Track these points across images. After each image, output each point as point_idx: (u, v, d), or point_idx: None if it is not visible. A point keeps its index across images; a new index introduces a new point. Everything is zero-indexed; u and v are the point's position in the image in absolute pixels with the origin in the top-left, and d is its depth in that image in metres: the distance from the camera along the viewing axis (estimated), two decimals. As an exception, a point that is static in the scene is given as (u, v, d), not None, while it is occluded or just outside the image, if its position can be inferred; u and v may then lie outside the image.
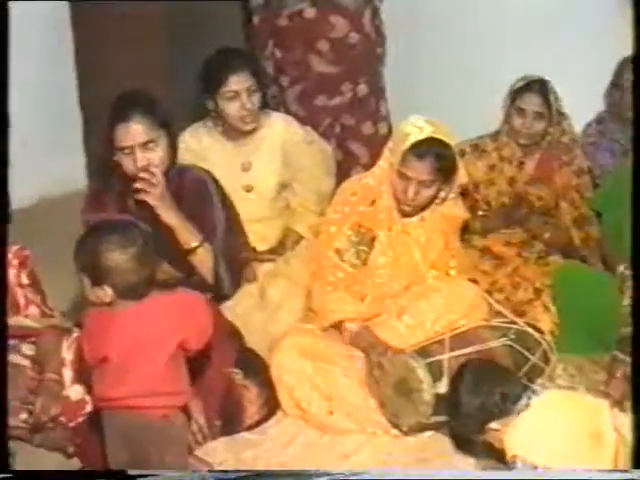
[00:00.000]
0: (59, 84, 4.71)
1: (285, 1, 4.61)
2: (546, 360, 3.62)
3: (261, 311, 3.85)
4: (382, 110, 4.83)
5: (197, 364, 3.22)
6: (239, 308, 3.80)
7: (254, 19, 4.70)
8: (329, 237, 3.81)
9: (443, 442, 3.40)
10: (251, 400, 3.52)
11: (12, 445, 3.06)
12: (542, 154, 4.22)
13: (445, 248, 3.82)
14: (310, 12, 4.61)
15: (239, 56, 4.10)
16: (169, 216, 3.55)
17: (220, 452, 3.39)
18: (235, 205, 3.83)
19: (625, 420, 2.98)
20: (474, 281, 3.90)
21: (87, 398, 3.30)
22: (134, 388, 2.98)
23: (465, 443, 3.29)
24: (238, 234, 3.82)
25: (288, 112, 4.56)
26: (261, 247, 4.16)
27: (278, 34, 4.65)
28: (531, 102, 4.12)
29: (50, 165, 4.58)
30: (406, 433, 3.45)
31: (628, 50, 4.08)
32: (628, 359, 3.41)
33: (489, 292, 3.94)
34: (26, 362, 3.35)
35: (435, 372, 3.36)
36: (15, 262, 3.37)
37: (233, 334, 3.66)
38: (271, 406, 3.57)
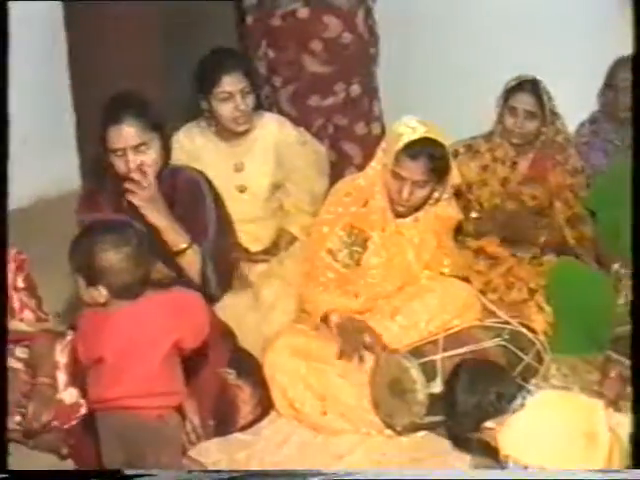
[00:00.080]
0: (53, 84, 4.69)
1: (278, 1, 4.60)
2: (540, 360, 3.63)
3: (254, 311, 3.85)
4: (375, 110, 4.83)
5: (191, 364, 3.22)
6: (232, 308, 3.80)
7: (247, 19, 4.69)
8: (321, 237, 3.82)
9: (437, 442, 3.40)
10: (245, 400, 3.52)
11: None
12: (536, 154, 4.21)
13: (438, 248, 3.82)
14: (303, 12, 4.60)
15: (233, 56, 4.10)
16: (156, 217, 3.53)
17: (213, 452, 3.38)
18: (228, 206, 3.81)
19: (620, 420, 2.99)
20: (468, 281, 3.91)
21: (81, 401, 3.30)
22: (129, 388, 2.99)
23: (461, 442, 3.30)
24: (229, 235, 3.82)
25: (281, 112, 4.56)
26: (254, 248, 4.16)
27: (271, 34, 4.65)
28: (523, 101, 4.12)
29: (46, 165, 4.57)
30: (400, 433, 3.45)
31: (622, 50, 4.12)
32: (622, 359, 3.42)
33: (483, 292, 3.95)
34: (19, 365, 3.35)
35: (429, 372, 3.36)
36: (12, 266, 3.37)
37: (226, 334, 3.66)
38: (265, 406, 3.57)
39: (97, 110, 3.61)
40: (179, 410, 3.15)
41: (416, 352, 3.44)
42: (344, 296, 3.74)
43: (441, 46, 4.96)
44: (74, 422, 3.30)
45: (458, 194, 4.02)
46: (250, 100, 4.00)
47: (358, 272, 3.77)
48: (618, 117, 4.47)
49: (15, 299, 3.39)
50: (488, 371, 3.20)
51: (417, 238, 3.79)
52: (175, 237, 3.57)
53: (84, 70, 4.69)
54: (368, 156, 4.03)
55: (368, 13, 4.75)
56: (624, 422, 3.00)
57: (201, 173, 3.74)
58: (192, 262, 3.60)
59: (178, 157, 3.88)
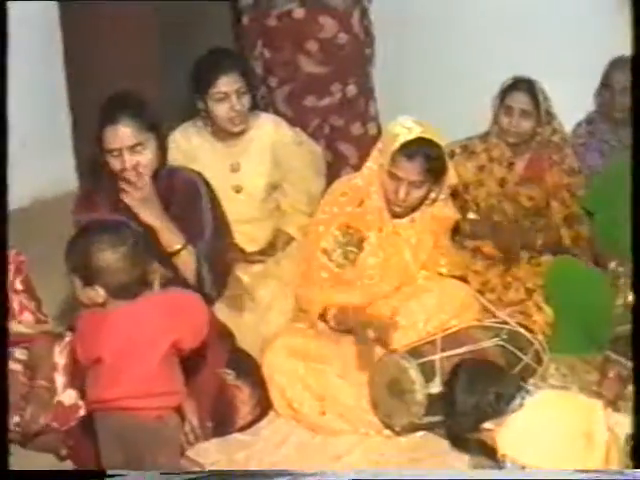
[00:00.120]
0: (49, 85, 4.68)
1: (274, 1, 4.60)
2: (538, 360, 3.63)
3: (252, 312, 3.86)
4: (371, 111, 4.84)
5: (189, 365, 3.21)
6: (230, 308, 3.80)
7: (243, 19, 4.69)
8: (317, 237, 3.82)
9: (435, 442, 3.41)
10: (243, 401, 3.52)
11: (5, 446, 3.06)
12: (532, 154, 4.22)
13: (435, 248, 3.82)
14: (299, 12, 4.60)
15: (229, 57, 4.08)
16: (150, 218, 3.52)
17: (212, 453, 3.38)
18: (224, 206, 3.80)
19: (619, 420, 3.00)
20: (465, 281, 3.91)
21: (80, 403, 3.29)
22: (128, 389, 2.98)
23: (460, 442, 3.30)
24: (225, 236, 3.81)
25: (277, 113, 4.55)
26: (251, 248, 4.15)
27: (267, 34, 4.64)
28: (518, 100, 4.13)
29: (42, 166, 4.56)
30: (399, 433, 3.45)
31: (619, 50, 4.13)
32: (621, 359, 3.42)
33: (481, 292, 3.96)
34: (18, 367, 3.34)
35: (427, 372, 3.37)
36: (10, 267, 3.36)
37: (224, 334, 3.66)
38: (263, 407, 3.57)
39: (93, 110, 3.61)
40: (178, 411, 3.15)
41: (415, 352, 3.44)
42: (342, 293, 3.73)
43: (437, 47, 4.97)
44: (73, 423, 3.29)
45: (455, 194, 4.02)
46: (246, 100, 3.99)
47: (354, 272, 3.77)
48: (614, 117, 4.48)
49: (14, 301, 3.38)
50: (487, 371, 3.19)
51: (414, 238, 3.79)
52: (170, 238, 3.55)
53: (80, 70, 4.70)
54: (364, 156, 4.02)
55: (364, 14, 4.75)
56: (623, 422, 3.01)
57: (198, 174, 3.73)
58: (187, 263, 3.58)
59: (174, 157, 3.88)
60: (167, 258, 3.57)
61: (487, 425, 3.02)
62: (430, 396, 3.33)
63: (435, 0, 5.00)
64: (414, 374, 3.34)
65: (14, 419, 3.21)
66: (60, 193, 4.58)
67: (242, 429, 3.51)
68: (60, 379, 3.33)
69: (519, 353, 3.56)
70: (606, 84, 4.49)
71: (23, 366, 3.35)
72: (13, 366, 3.30)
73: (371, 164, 3.79)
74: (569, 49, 4.58)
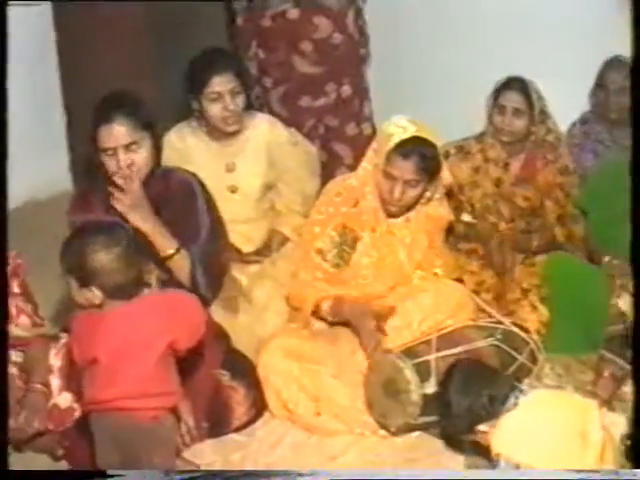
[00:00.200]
0: (44, 85, 4.68)
1: (268, 2, 4.61)
2: (533, 360, 3.63)
3: (247, 313, 3.85)
4: (366, 111, 4.85)
5: (185, 366, 3.21)
6: (225, 310, 3.80)
7: (238, 20, 4.70)
8: (313, 238, 3.82)
9: (431, 442, 3.40)
10: (239, 401, 3.51)
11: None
12: (527, 154, 4.22)
13: (430, 248, 3.82)
14: (293, 13, 4.61)
15: (223, 57, 4.09)
16: (141, 224, 3.49)
17: (208, 454, 3.38)
18: (220, 206, 3.79)
19: (614, 419, 3.00)
20: (460, 281, 3.91)
21: (75, 405, 3.28)
22: (124, 389, 2.98)
23: (454, 442, 3.29)
24: (221, 237, 3.80)
25: (272, 113, 4.56)
26: (246, 249, 4.15)
27: (262, 35, 4.65)
28: (511, 99, 4.12)
29: (36, 167, 4.56)
30: (394, 434, 3.44)
31: (614, 50, 4.13)
32: (616, 359, 3.42)
33: (476, 292, 3.96)
34: (14, 370, 3.33)
35: (423, 372, 3.36)
36: (8, 270, 3.35)
37: (220, 335, 3.65)
38: (259, 407, 3.56)
39: (88, 110, 3.60)
40: (173, 411, 3.14)
41: (410, 352, 3.44)
42: (334, 287, 3.74)
43: (432, 47, 4.97)
44: (69, 424, 3.28)
45: (449, 195, 4.03)
46: (240, 100, 3.99)
47: (348, 273, 3.77)
48: (609, 118, 4.48)
49: (11, 304, 3.36)
50: (481, 373, 3.16)
51: (409, 238, 3.79)
52: (162, 242, 3.54)
53: (74, 71, 4.70)
54: (359, 156, 4.03)
55: (358, 14, 4.77)
56: (618, 421, 3.01)
57: (193, 175, 3.72)
58: (181, 267, 3.57)
59: (169, 157, 3.87)
60: (162, 260, 3.57)
61: (482, 427, 3.01)
62: (425, 396, 3.33)
63: (430, 0, 4.99)
64: (409, 374, 3.34)
65: (10, 422, 3.18)
66: (55, 193, 4.56)
67: (237, 430, 3.50)
68: (56, 382, 3.32)
69: (514, 353, 3.55)
70: (601, 84, 4.49)
71: (19, 369, 3.34)
72: (10, 369, 3.28)
73: (366, 164, 3.79)
74: (565, 49, 4.59)
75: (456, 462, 3.27)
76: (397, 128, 3.64)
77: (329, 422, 3.50)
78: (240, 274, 4.01)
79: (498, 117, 4.16)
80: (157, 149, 3.63)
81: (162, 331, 3.02)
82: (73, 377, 3.25)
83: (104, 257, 2.98)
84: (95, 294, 3.00)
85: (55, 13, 4.65)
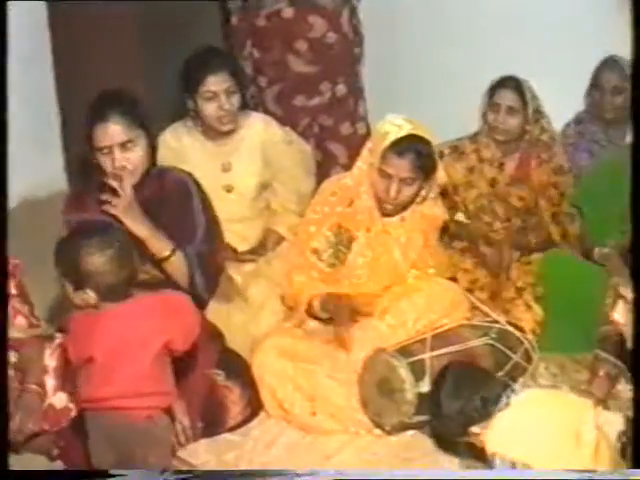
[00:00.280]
0: (38, 85, 4.66)
1: (263, 1, 4.61)
2: (528, 359, 3.63)
3: (242, 312, 3.85)
4: (360, 110, 4.84)
5: (179, 365, 3.21)
6: (220, 308, 3.80)
7: (232, 19, 4.70)
8: (308, 237, 3.82)
9: (426, 441, 3.40)
10: (234, 401, 3.52)
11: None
12: (522, 154, 4.22)
13: (425, 247, 3.82)
14: (288, 12, 4.61)
15: (218, 56, 4.08)
16: (135, 227, 3.47)
17: (202, 453, 3.38)
18: (215, 205, 3.79)
19: (609, 418, 3.00)
20: (454, 280, 3.91)
21: (71, 406, 3.27)
22: (119, 389, 2.99)
23: (447, 443, 3.29)
24: (217, 237, 3.80)
25: (267, 112, 4.55)
26: (242, 248, 4.15)
27: (256, 34, 4.65)
28: (505, 97, 4.13)
29: (32, 166, 4.54)
30: (389, 433, 3.45)
31: (609, 50, 4.13)
32: (611, 358, 3.42)
33: (470, 291, 3.96)
34: (10, 371, 3.31)
35: (417, 371, 3.37)
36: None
37: (214, 335, 3.65)
38: (254, 407, 3.57)
39: (83, 110, 3.59)
40: (168, 411, 3.15)
41: (404, 351, 3.44)
42: (330, 287, 3.74)
43: (427, 46, 4.95)
44: (64, 424, 3.28)
45: (444, 194, 4.03)
46: (235, 100, 3.99)
47: (343, 272, 3.77)
48: (604, 118, 4.48)
49: (8, 305, 3.36)
50: (474, 375, 3.13)
51: (404, 237, 3.79)
52: (157, 245, 3.53)
53: (69, 70, 4.67)
54: (353, 156, 4.03)
55: (353, 13, 4.76)
56: (613, 421, 3.01)
57: (189, 174, 3.72)
58: (177, 268, 3.56)
59: (165, 156, 3.87)
60: (157, 261, 3.56)
61: (474, 429, 3.01)
62: (420, 395, 3.33)
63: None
64: (404, 373, 3.35)
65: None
66: (50, 193, 4.55)
67: (232, 429, 3.51)
68: (50, 382, 3.31)
69: (509, 352, 3.55)
70: (596, 84, 4.48)
71: (14, 369, 3.32)
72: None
73: (361, 164, 3.79)
74: (561, 49, 4.58)
75: (452, 461, 3.27)
76: (393, 126, 3.64)
77: (324, 421, 3.50)
78: (235, 273, 4.01)
79: (492, 115, 4.16)
80: (152, 148, 3.63)
81: (158, 331, 3.03)
82: (68, 377, 3.24)
83: (98, 260, 3.00)
84: (90, 296, 3.00)
85: (50, 12, 4.63)
